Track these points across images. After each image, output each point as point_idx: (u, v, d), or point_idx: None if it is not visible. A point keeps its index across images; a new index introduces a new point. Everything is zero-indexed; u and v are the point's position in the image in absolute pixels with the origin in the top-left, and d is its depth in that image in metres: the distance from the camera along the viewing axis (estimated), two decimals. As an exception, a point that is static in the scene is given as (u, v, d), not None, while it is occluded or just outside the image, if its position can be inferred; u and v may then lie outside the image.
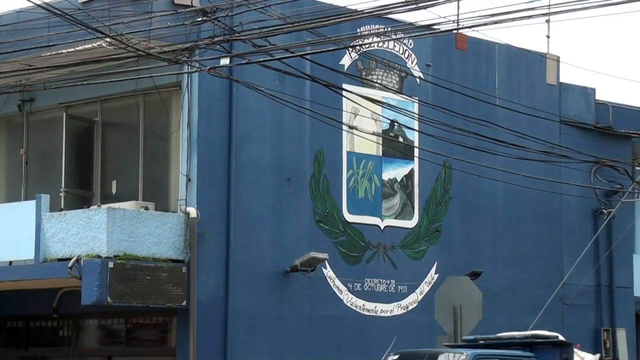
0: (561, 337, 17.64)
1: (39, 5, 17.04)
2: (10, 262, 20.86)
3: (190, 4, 19.52)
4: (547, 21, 24.02)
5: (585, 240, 24.79)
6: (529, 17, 15.66)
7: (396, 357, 17.48)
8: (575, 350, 17.94)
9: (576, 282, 24.50)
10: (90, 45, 19.26)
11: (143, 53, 18.14)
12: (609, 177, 25.59)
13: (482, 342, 17.86)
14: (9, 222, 20.81)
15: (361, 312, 22.18)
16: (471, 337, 18.32)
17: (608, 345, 25.72)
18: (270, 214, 21.10)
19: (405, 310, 22.72)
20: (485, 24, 15.76)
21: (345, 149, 22.19)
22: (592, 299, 25.71)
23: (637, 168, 25.65)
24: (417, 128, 22.49)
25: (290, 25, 18.50)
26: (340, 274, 21.86)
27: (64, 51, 19.82)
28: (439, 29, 18.14)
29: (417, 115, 22.37)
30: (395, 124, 22.78)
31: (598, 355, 18.32)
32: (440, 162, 23.05)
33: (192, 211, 20.05)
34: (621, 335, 25.96)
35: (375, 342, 21.89)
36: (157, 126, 21.30)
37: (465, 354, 16.76)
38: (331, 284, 21.76)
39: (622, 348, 25.88)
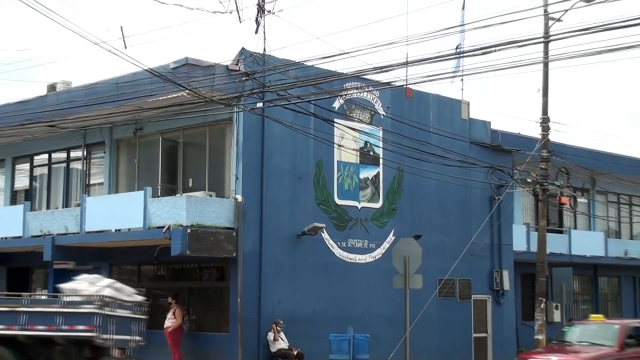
0: None
1: (146, 70, 16.98)
2: (129, 229, 20.24)
3: (238, 69, 19.17)
4: (462, 80, 23.47)
5: (485, 215, 24.23)
6: (451, 77, 16.30)
7: None
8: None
9: (479, 241, 23.96)
10: (176, 95, 18.76)
11: (209, 100, 17.99)
12: (499, 176, 24.97)
13: None
14: (128, 204, 20.25)
15: (346, 260, 21.46)
16: None
17: (498, 280, 25.07)
18: (288, 199, 20.40)
19: (374, 259, 21.98)
20: (424, 81, 15.66)
21: (336, 159, 21.42)
22: (489, 252, 24.96)
23: (515, 171, 25.11)
24: (381, 146, 21.97)
25: (301, 82, 18.31)
26: (332, 237, 21.17)
27: (160, 98, 19.26)
28: (395, 84, 18.36)
29: (381, 138, 21.94)
30: (368, 143, 22.08)
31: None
32: (396, 167, 22.34)
33: (239, 198, 19.42)
34: (505, 274, 25.33)
35: (355, 280, 21.52)
36: (217, 145, 20.63)
37: None
38: (327, 243, 21.08)
39: (506, 282, 25.29)
